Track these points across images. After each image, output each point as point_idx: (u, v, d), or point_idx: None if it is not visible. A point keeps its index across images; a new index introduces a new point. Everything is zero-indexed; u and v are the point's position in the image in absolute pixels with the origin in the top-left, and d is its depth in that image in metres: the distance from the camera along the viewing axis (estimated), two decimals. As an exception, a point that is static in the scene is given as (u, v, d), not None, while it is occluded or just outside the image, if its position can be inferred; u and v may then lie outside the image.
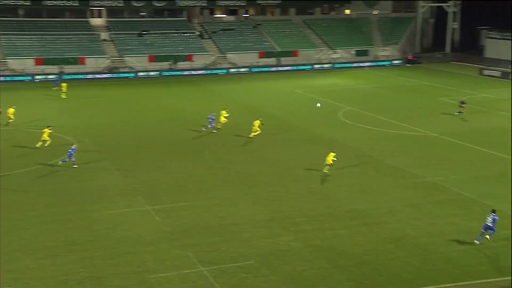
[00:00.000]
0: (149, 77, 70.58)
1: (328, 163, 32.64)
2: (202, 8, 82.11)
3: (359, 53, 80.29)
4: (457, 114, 46.81)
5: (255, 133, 40.69)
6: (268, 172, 33.70)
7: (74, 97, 55.60)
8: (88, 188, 30.91)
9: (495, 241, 24.05)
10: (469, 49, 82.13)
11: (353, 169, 34.04)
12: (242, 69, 74.22)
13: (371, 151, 37.49)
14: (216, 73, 72.84)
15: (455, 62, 79.46)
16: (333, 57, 79.01)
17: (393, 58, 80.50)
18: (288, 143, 39.94)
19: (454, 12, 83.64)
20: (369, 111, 49.67)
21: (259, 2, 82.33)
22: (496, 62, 72.39)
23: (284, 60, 76.82)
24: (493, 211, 24.09)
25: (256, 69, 74.55)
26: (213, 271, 22.07)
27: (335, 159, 32.60)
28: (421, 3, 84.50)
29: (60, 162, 34.37)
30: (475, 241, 23.96)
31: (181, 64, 73.06)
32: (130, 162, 35.51)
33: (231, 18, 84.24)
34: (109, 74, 69.74)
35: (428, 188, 30.61)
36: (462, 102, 47.04)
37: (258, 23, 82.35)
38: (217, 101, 55.65)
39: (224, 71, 73.56)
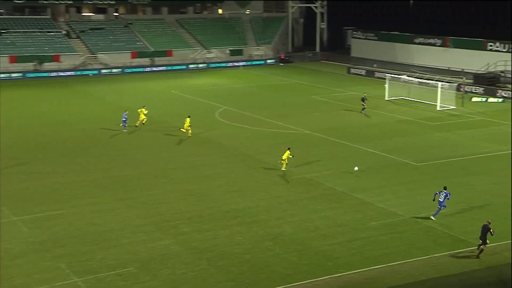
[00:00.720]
0: (11, 79, 66.56)
1: (284, 161, 33.11)
2: (68, 6, 78.78)
3: (234, 53, 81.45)
4: (362, 112, 48.96)
5: (185, 131, 40.54)
6: (146, 175, 33.17)
7: None
8: None
9: (364, 231, 25.52)
10: (337, 48, 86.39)
11: (230, 169, 34.46)
12: (115, 70, 72.38)
13: (248, 150, 38.18)
14: (86, 74, 70.43)
15: (324, 61, 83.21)
16: (208, 56, 79.45)
17: (267, 57, 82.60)
18: (165, 145, 39.59)
19: (322, 13, 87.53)
20: (245, 110, 50.57)
21: (129, 0, 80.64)
22: (361, 61, 76.87)
23: (158, 60, 75.99)
24: (445, 188, 26.42)
25: (130, 70, 73.10)
26: (88, 281, 21.31)
27: (290, 156, 33.02)
28: (290, 4, 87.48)
29: None
30: (432, 217, 26.19)
31: (48, 65, 69.69)
32: (-7, 171, 33.25)
33: (100, 16, 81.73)
34: (-36, 76, 64.90)
35: (304, 184, 31.78)
36: (363, 99, 49.27)
37: (130, 22, 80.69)
38: (89, 103, 53.92)
39: (95, 72, 71.30)
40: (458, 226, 25.90)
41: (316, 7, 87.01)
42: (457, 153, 37.41)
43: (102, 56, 73.52)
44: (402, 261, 22.79)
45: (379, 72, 68.62)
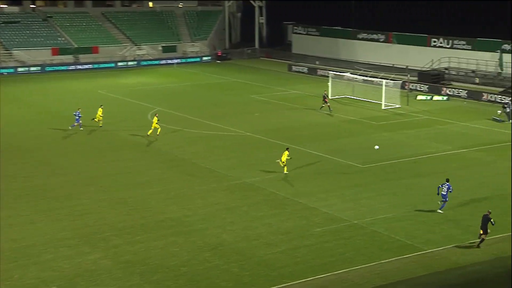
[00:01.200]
0: None
1: (283, 162, 33.36)
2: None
3: (167, 49, 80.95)
4: (327, 112, 49.44)
5: (153, 130, 40.81)
6: (71, 183, 32.50)
7: None
8: None
9: (308, 238, 25.91)
10: (277, 44, 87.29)
11: (165, 174, 34.23)
12: (33, 68, 70.60)
13: (183, 154, 38.04)
14: (0, 73, 68.35)
15: (264, 58, 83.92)
16: (139, 53, 78.69)
17: (203, 54, 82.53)
18: (93, 150, 38.90)
19: (260, 7, 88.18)
20: (179, 111, 50.36)
21: (48, -10, 79.03)
22: (303, 58, 77.96)
23: (83, 57, 74.63)
24: (447, 180, 28.32)
25: (51, 68, 71.58)
26: (7, 303, 20.70)
27: (289, 157, 33.25)
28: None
29: None
30: (439, 211, 27.96)
31: (-45, 63, 67.24)
32: None
33: (15, 8, 79.55)
34: None
35: (244, 190, 31.93)
36: (324, 97, 49.91)
37: (49, 15, 78.83)
38: (4, 105, 52.36)
39: (11, 70, 69.28)
40: (403, 230, 26.66)
41: (254, 0, 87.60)
42: (403, 153, 38.53)
43: (18, 53, 71.49)
44: (348, 269, 23.27)
45: (321, 69, 69.79)
